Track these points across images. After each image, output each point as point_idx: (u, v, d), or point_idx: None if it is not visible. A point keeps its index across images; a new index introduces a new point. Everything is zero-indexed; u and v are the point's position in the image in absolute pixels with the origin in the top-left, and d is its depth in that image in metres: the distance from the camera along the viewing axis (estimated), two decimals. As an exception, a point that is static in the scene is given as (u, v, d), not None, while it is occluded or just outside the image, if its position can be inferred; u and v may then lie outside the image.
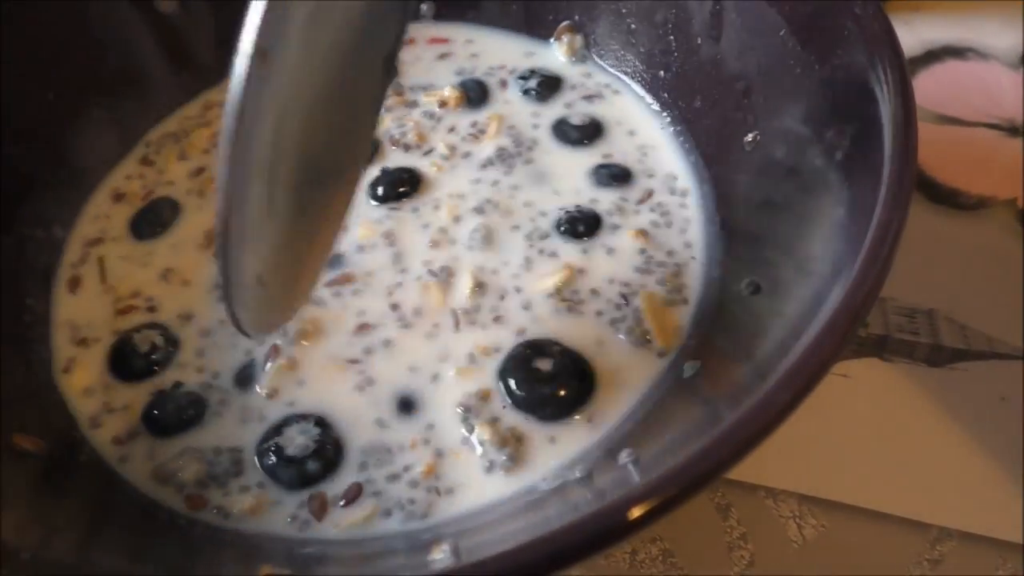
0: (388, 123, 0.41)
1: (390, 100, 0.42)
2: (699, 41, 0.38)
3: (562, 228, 0.37)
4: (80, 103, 0.39)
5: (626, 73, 0.42)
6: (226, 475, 0.31)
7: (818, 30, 0.31)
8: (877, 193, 0.25)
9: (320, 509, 0.30)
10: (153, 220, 0.39)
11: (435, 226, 0.37)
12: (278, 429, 0.31)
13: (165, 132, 0.42)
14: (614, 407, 0.32)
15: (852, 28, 0.29)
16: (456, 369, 0.33)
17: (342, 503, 0.30)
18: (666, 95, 0.40)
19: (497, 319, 0.34)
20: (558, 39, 0.43)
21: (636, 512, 0.20)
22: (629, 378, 0.32)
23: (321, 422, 0.32)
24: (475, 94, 0.42)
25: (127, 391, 0.34)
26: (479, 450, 0.31)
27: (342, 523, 0.29)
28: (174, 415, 0.33)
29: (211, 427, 0.32)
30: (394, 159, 0.40)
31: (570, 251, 0.36)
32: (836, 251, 0.26)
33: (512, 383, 0.32)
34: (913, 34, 0.51)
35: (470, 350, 0.33)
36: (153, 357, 0.34)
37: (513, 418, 0.32)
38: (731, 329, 0.32)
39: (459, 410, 0.32)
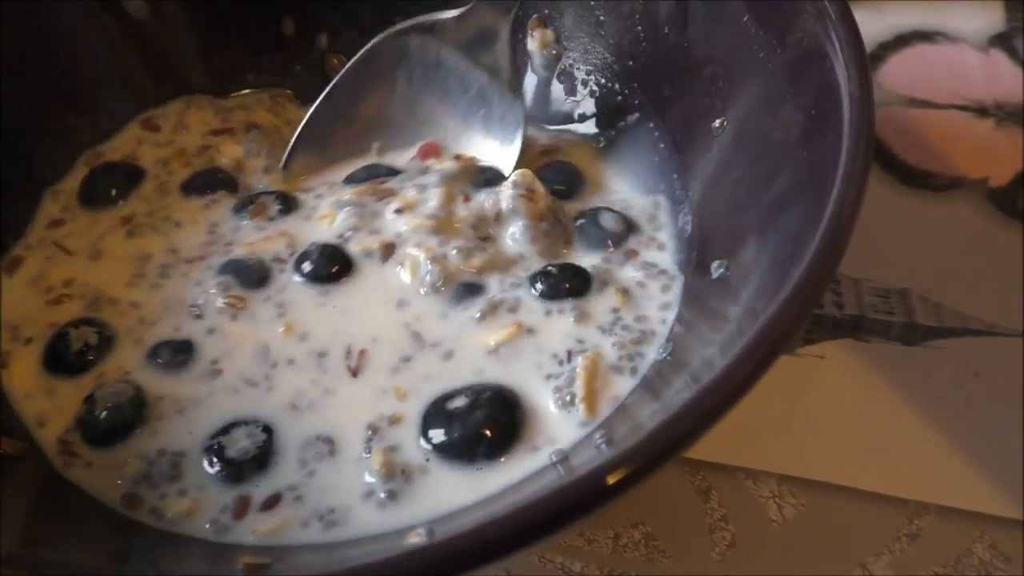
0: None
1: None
2: (666, 30, 0.38)
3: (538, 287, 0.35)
4: (50, 107, 0.39)
5: (596, 69, 0.42)
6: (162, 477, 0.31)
7: (778, 14, 0.32)
8: (836, 169, 0.25)
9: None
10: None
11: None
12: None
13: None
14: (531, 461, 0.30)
15: (810, 10, 0.30)
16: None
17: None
18: (635, 85, 0.40)
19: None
20: (531, 34, 0.44)
21: (606, 481, 0.20)
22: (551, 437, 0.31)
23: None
24: None
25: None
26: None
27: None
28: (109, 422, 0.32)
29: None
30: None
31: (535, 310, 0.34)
32: (798, 228, 0.27)
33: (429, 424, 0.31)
34: (882, 19, 0.52)
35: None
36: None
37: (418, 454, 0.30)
38: (701, 313, 0.32)
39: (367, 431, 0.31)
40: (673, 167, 0.38)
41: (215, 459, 0.30)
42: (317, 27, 0.45)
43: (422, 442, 0.31)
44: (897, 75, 0.49)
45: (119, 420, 0.32)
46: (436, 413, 0.31)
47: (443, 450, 0.30)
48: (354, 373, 0.33)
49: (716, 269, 0.32)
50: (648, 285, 0.35)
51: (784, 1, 0.31)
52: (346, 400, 0.32)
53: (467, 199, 0.37)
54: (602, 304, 0.34)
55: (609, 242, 0.36)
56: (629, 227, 0.37)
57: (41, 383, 0.33)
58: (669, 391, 0.29)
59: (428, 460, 0.30)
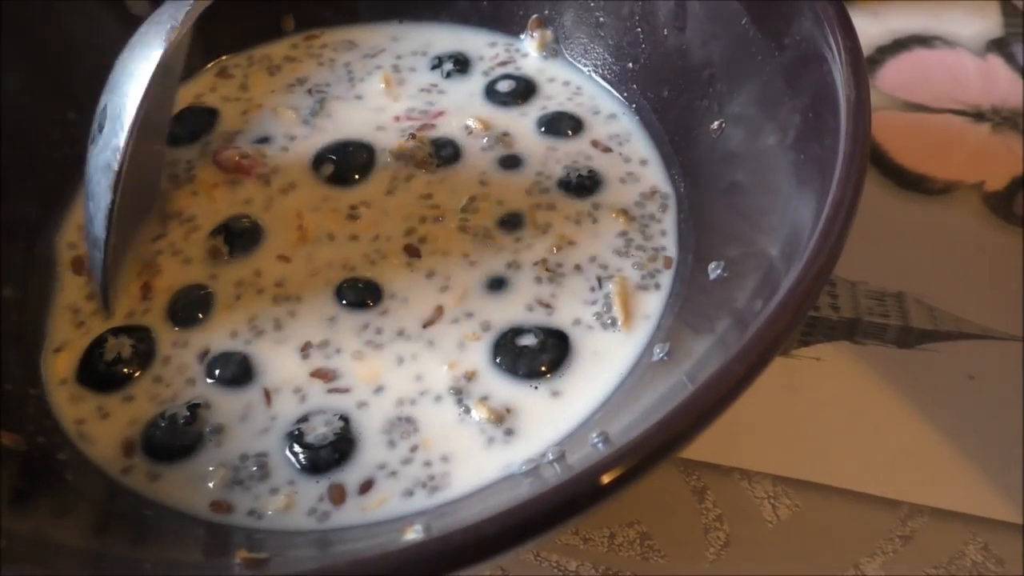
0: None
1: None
2: (665, 32, 0.38)
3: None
4: (55, 104, 0.39)
5: (595, 67, 0.42)
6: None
7: (776, 17, 0.32)
8: (832, 172, 0.26)
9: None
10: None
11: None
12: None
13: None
14: (592, 381, 0.33)
15: (808, 14, 0.30)
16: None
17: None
18: (635, 86, 0.40)
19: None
20: (530, 34, 0.44)
21: (606, 479, 0.21)
22: (603, 358, 0.33)
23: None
24: None
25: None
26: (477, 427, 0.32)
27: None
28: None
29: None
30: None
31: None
32: (795, 230, 0.27)
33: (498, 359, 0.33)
34: (880, 24, 0.52)
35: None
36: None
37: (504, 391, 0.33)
38: (698, 311, 0.32)
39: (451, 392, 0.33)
40: (671, 168, 0.38)
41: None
42: (317, 24, 0.45)
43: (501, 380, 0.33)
44: (894, 79, 0.50)
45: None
46: (503, 349, 0.33)
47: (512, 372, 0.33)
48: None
49: (714, 270, 0.32)
50: (646, 205, 0.38)
51: (782, 4, 0.32)
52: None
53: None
54: (610, 229, 0.37)
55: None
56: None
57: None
58: (664, 392, 0.29)
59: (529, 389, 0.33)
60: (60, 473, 0.30)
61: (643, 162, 0.39)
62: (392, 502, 0.30)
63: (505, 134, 0.40)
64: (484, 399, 0.32)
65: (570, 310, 0.35)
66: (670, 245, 0.36)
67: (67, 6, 0.40)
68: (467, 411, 0.32)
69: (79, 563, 0.25)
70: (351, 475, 0.31)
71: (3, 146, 0.37)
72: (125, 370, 0.34)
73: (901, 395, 0.38)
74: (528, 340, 0.33)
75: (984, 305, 0.40)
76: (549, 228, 0.37)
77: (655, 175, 0.39)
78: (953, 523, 0.35)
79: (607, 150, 0.40)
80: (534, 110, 0.41)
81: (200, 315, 0.35)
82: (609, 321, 0.34)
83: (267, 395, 0.33)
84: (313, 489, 0.30)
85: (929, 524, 0.35)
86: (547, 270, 0.36)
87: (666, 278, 0.35)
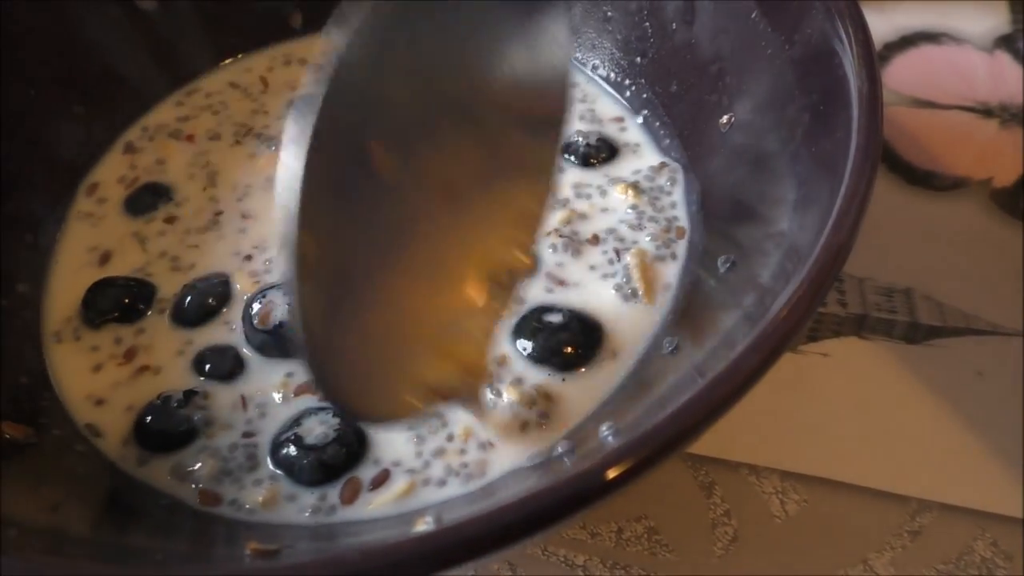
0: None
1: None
2: (674, 26, 0.38)
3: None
4: (62, 100, 0.39)
5: (603, 65, 0.42)
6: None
7: (787, 10, 0.32)
8: (844, 166, 0.26)
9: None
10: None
11: None
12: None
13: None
14: (622, 356, 0.33)
15: (819, 7, 0.30)
16: None
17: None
18: (643, 80, 0.40)
19: None
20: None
21: (611, 473, 0.21)
22: (629, 329, 0.34)
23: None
24: None
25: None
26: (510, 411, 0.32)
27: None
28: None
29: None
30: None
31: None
32: (806, 224, 0.27)
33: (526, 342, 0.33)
34: (887, 20, 0.52)
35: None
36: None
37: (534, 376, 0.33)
38: (707, 306, 0.32)
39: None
40: (681, 163, 0.38)
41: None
42: (325, 19, 0.45)
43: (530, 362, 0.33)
44: (902, 76, 0.49)
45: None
46: (528, 329, 0.33)
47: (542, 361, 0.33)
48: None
49: (723, 265, 0.32)
50: (655, 178, 0.38)
51: (792, -3, 0.32)
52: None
53: None
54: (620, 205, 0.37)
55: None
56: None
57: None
58: (673, 385, 0.29)
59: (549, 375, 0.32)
60: (72, 465, 0.31)
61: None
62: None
63: None
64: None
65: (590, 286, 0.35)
66: (681, 216, 0.37)
67: (76, 3, 0.40)
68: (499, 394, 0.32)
69: (89, 553, 0.25)
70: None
71: (12, 141, 0.37)
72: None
73: (909, 391, 0.38)
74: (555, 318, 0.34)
75: (992, 301, 0.40)
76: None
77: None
78: (962, 519, 0.35)
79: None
80: None
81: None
82: (630, 292, 0.35)
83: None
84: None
85: (938, 520, 0.35)
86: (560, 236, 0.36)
87: (681, 247, 0.36)
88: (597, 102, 0.42)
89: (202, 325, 0.35)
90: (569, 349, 0.33)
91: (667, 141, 0.39)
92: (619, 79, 0.42)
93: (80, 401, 0.33)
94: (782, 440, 0.37)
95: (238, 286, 0.36)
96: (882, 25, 0.51)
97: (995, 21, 0.52)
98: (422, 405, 0.27)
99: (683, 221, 0.37)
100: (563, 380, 0.32)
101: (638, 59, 0.40)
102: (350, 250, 0.24)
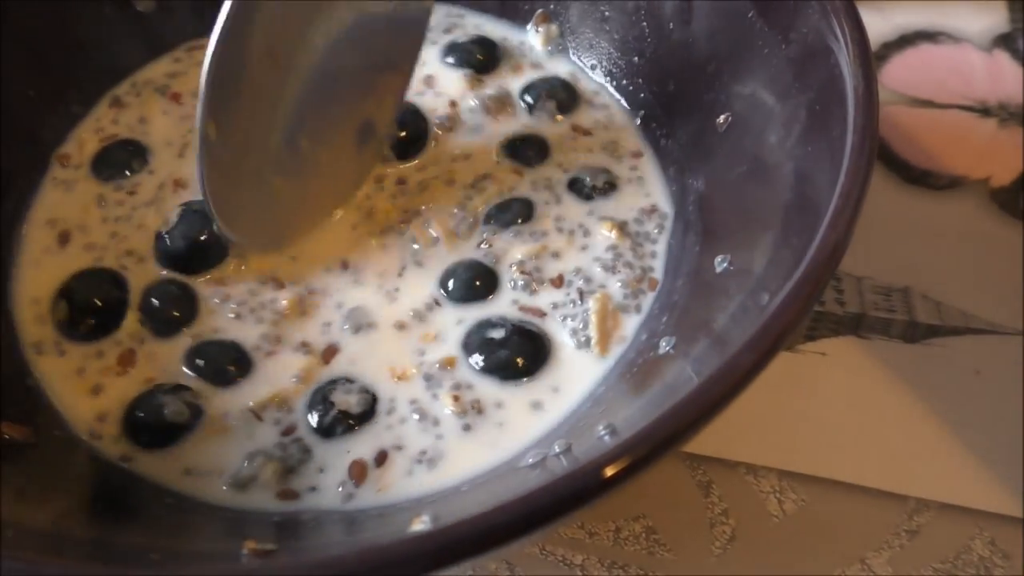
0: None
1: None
2: (671, 26, 0.38)
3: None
4: (60, 100, 0.39)
5: (600, 64, 0.42)
6: None
7: (783, 10, 0.32)
8: (840, 164, 0.26)
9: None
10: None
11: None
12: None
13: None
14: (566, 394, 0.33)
15: (815, 6, 0.30)
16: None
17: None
18: (640, 80, 0.40)
19: None
20: (535, 28, 0.44)
21: (609, 471, 0.21)
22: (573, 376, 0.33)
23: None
24: None
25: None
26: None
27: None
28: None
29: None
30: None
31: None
32: (802, 222, 0.27)
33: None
34: (886, 19, 0.52)
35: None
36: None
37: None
38: (704, 304, 0.32)
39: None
40: (677, 162, 0.38)
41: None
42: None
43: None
44: (900, 75, 0.49)
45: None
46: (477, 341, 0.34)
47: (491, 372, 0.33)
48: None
49: (720, 263, 0.32)
50: (644, 222, 0.37)
51: (788, -4, 0.32)
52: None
53: None
54: (601, 242, 0.37)
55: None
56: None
57: None
58: (671, 384, 0.29)
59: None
60: (72, 465, 0.31)
61: (636, 154, 0.40)
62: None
63: None
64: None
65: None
66: (658, 268, 0.36)
67: (73, 3, 0.40)
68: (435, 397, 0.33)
69: (88, 553, 0.25)
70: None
71: (10, 141, 0.37)
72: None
73: (907, 390, 0.38)
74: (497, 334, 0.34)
75: (990, 300, 0.40)
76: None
77: (656, 181, 0.39)
78: (960, 518, 0.35)
79: (587, 133, 0.40)
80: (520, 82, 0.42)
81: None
82: (584, 339, 0.34)
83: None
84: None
85: (936, 519, 0.35)
86: (524, 273, 0.36)
87: (647, 301, 0.35)
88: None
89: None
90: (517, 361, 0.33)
91: (664, 142, 0.39)
92: (617, 79, 0.42)
93: (76, 401, 0.33)
94: (780, 439, 0.37)
95: None
96: (881, 24, 0.51)
97: (994, 20, 0.52)
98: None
99: (658, 273, 0.36)
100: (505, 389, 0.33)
101: (635, 59, 0.40)
102: (250, 128, 0.32)
